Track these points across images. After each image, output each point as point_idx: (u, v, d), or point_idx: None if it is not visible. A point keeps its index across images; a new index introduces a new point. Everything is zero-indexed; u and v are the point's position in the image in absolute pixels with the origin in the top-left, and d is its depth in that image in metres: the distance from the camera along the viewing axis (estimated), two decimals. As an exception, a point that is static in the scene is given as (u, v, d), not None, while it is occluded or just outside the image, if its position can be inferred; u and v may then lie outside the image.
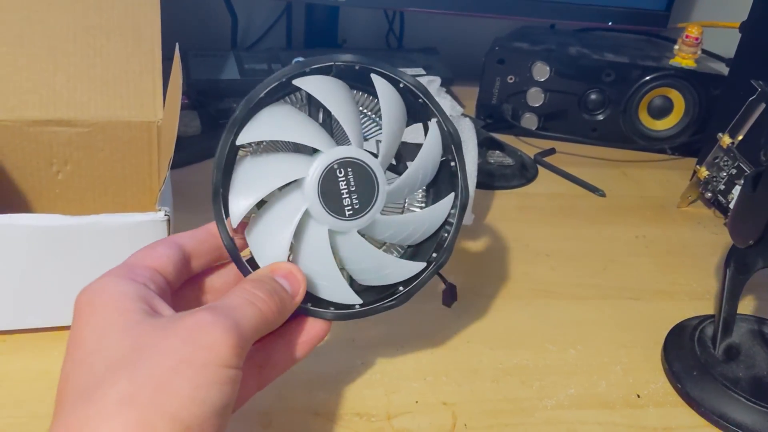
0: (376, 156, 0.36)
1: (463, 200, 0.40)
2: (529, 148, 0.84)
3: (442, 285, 0.45)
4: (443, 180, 0.40)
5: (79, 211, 0.43)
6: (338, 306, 0.37)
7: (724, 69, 0.82)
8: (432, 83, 0.65)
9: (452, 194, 0.40)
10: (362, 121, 0.39)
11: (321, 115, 0.37)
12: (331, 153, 0.34)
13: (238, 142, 0.34)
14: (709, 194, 0.71)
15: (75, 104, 0.55)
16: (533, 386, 0.47)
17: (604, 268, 0.61)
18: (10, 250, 0.42)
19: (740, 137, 0.65)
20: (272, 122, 0.35)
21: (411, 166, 0.38)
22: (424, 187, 0.41)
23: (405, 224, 0.39)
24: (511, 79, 0.84)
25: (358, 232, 0.36)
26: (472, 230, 0.64)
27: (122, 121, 0.55)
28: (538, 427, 0.44)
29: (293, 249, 0.36)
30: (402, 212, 0.41)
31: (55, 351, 0.45)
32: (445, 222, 0.40)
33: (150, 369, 0.26)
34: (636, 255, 0.64)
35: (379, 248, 0.40)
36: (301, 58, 0.61)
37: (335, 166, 0.34)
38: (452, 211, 0.40)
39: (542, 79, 0.83)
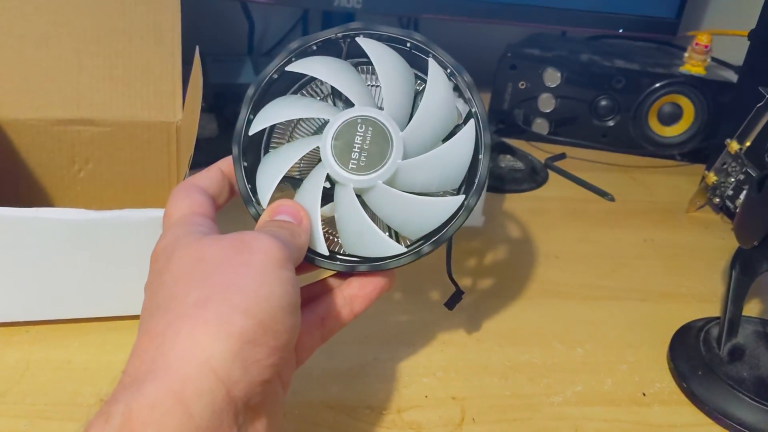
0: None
1: (486, 145, 0.37)
2: (539, 152, 0.85)
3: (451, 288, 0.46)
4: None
5: (99, 208, 0.44)
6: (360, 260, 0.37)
7: (733, 76, 0.83)
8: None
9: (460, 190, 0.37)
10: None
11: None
12: (362, 108, 0.35)
13: (288, 68, 0.36)
14: (717, 199, 0.72)
15: (97, 104, 0.56)
16: (541, 383, 0.48)
17: (612, 270, 0.62)
18: (35, 242, 0.44)
19: (748, 143, 0.65)
20: (324, 66, 0.36)
21: (416, 114, 0.36)
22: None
23: (402, 204, 0.36)
24: (522, 84, 0.85)
25: (356, 191, 0.36)
26: (482, 232, 0.65)
27: (143, 122, 0.57)
28: (544, 422, 0.45)
29: (300, 191, 0.37)
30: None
31: (76, 342, 0.47)
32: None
33: (217, 275, 0.29)
34: (644, 258, 0.65)
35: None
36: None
37: (359, 120, 0.35)
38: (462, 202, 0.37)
39: (553, 85, 0.84)
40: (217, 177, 0.38)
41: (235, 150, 0.37)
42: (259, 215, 0.36)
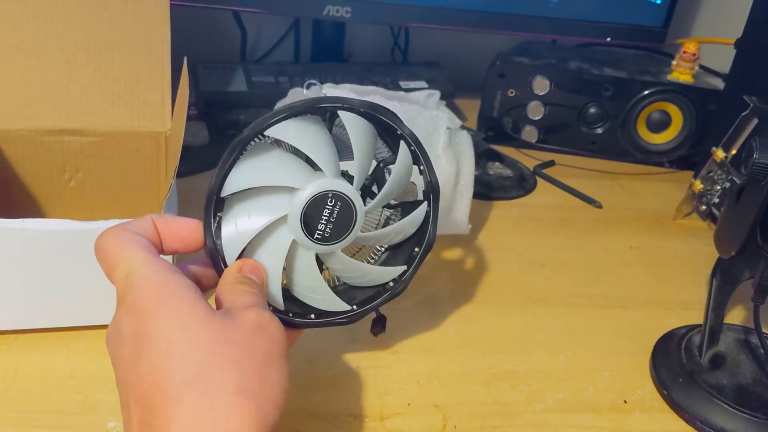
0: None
1: (428, 243, 0.42)
2: (528, 160, 0.85)
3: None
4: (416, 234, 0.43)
5: (89, 216, 0.45)
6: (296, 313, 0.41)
7: (721, 84, 0.84)
8: (432, 96, 0.67)
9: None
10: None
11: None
12: (333, 181, 0.37)
13: (267, 133, 0.36)
14: (704, 207, 0.73)
15: (87, 114, 0.57)
16: (523, 390, 0.48)
17: (597, 277, 0.63)
18: (23, 253, 0.44)
19: (733, 151, 0.66)
20: (301, 133, 0.37)
21: (379, 194, 0.40)
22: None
23: (353, 269, 0.42)
24: (511, 92, 0.86)
25: (316, 254, 0.39)
26: (468, 240, 0.66)
27: (132, 131, 0.58)
28: (526, 429, 0.45)
29: (262, 246, 0.38)
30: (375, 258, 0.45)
31: (63, 350, 0.47)
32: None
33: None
34: (629, 265, 0.65)
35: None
36: (314, 81, 0.64)
37: (330, 195, 0.37)
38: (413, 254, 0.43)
39: (542, 93, 0.85)
40: (149, 230, 0.37)
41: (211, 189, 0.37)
42: (216, 249, 0.37)
